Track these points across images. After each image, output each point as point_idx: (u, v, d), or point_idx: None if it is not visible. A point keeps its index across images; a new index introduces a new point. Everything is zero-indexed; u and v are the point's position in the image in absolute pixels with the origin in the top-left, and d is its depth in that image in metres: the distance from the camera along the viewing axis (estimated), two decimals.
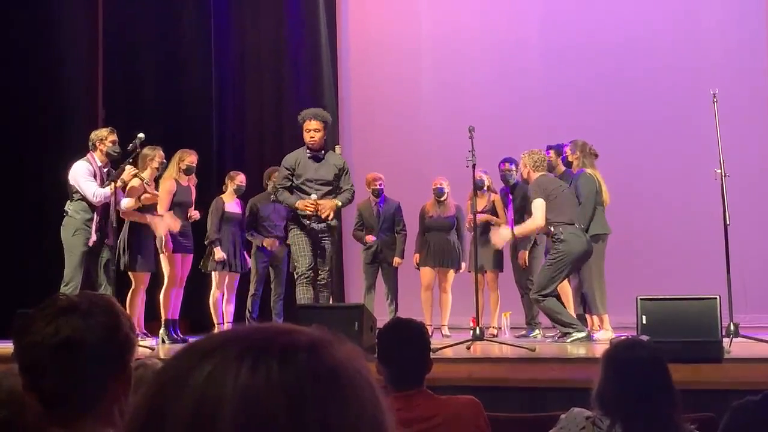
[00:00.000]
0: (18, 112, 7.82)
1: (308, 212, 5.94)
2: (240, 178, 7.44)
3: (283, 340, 0.65)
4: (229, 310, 7.32)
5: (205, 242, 7.19)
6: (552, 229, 6.02)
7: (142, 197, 6.38)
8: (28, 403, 1.46)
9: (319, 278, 6.17)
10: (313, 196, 5.94)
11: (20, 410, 1.47)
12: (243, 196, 7.48)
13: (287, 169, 6.14)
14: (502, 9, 9.46)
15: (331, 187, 6.09)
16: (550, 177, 6.33)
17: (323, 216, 5.98)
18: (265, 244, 7.33)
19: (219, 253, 7.10)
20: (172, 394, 0.63)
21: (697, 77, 8.17)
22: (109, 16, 8.64)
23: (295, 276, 6.20)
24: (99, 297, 1.58)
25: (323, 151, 6.13)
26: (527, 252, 7.10)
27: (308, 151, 6.08)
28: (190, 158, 6.83)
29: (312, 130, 6.03)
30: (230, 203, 7.33)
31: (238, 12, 9.84)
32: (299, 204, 5.99)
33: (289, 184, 6.11)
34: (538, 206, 6.00)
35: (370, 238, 7.68)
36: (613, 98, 8.78)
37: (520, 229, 6.30)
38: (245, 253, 7.44)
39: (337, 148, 6.83)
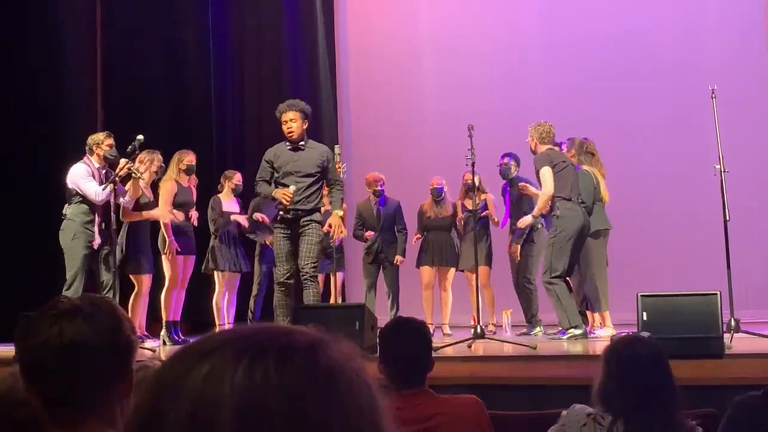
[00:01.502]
0: (18, 114, 7.82)
1: (285, 202, 5.68)
2: (237, 178, 7.41)
3: (281, 340, 0.65)
4: (230, 310, 7.31)
5: (212, 229, 7.15)
6: (550, 202, 6.06)
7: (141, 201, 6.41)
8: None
9: (302, 272, 5.73)
10: (292, 188, 5.72)
11: (38, 410, 1.47)
12: (241, 195, 7.46)
13: (267, 162, 5.95)
14: (502, 7, 9.46)
15: (314, 179, 5.85)
16: (557, 151, 6.34)
17: (339, 239, 5.91)
18: (267, 243, 7.28)
19: (243, 221, 7.20)
20: (170, 394, 0.63)
21: (697, 73, 8.16)
22: (108, 17, 8.64)
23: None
24: (101, 300, 1.59)
25: (303, 142, 5.90)
26: (519, 246, 7.14)
27: (288, 143, 5.91)
28: (189, 158, 6.83)
29: (289, 120, 5.86)
30: (228, 203, 7.30)
31: (237, 12, 9.84)
32: (276, 194, 5.75)
33: (268, 176, 5.92)
34: (547, 175, 6.03)
35: (370, 234, 7.69)
36: (613, 95, 8.77)
37: (536, 210, 6.32)
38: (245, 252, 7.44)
39: (336, 148, 6.77)
